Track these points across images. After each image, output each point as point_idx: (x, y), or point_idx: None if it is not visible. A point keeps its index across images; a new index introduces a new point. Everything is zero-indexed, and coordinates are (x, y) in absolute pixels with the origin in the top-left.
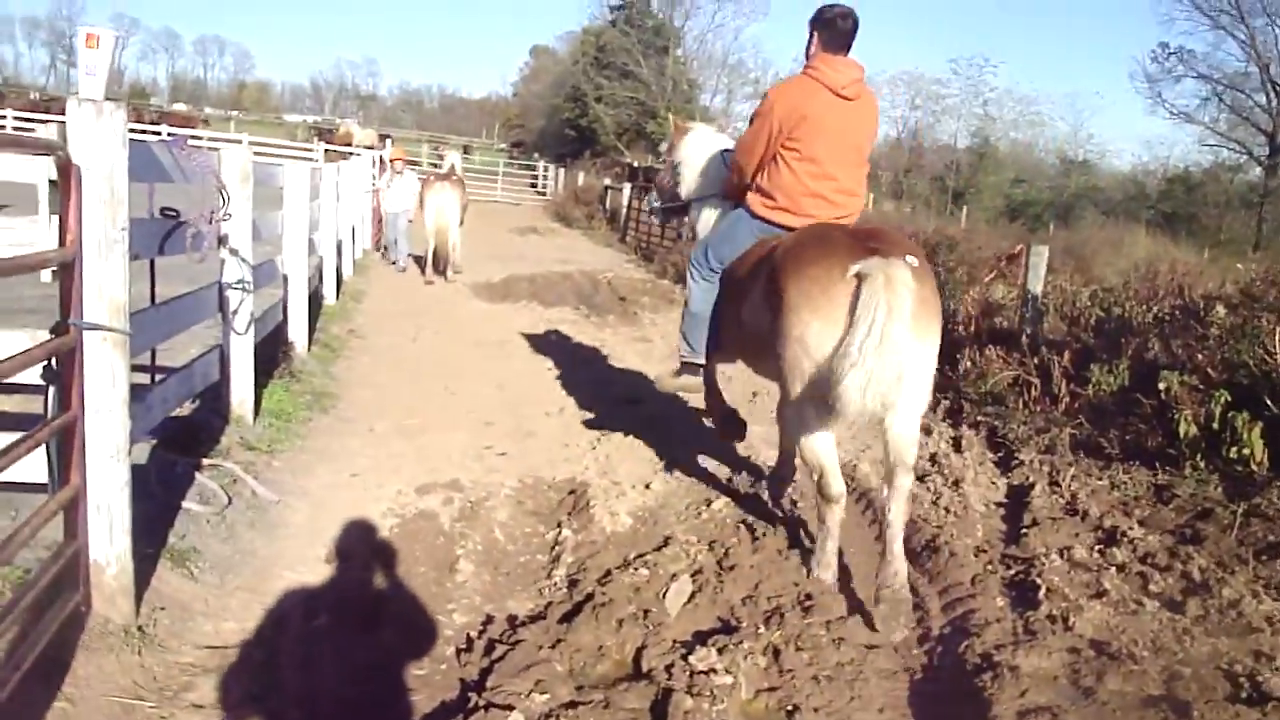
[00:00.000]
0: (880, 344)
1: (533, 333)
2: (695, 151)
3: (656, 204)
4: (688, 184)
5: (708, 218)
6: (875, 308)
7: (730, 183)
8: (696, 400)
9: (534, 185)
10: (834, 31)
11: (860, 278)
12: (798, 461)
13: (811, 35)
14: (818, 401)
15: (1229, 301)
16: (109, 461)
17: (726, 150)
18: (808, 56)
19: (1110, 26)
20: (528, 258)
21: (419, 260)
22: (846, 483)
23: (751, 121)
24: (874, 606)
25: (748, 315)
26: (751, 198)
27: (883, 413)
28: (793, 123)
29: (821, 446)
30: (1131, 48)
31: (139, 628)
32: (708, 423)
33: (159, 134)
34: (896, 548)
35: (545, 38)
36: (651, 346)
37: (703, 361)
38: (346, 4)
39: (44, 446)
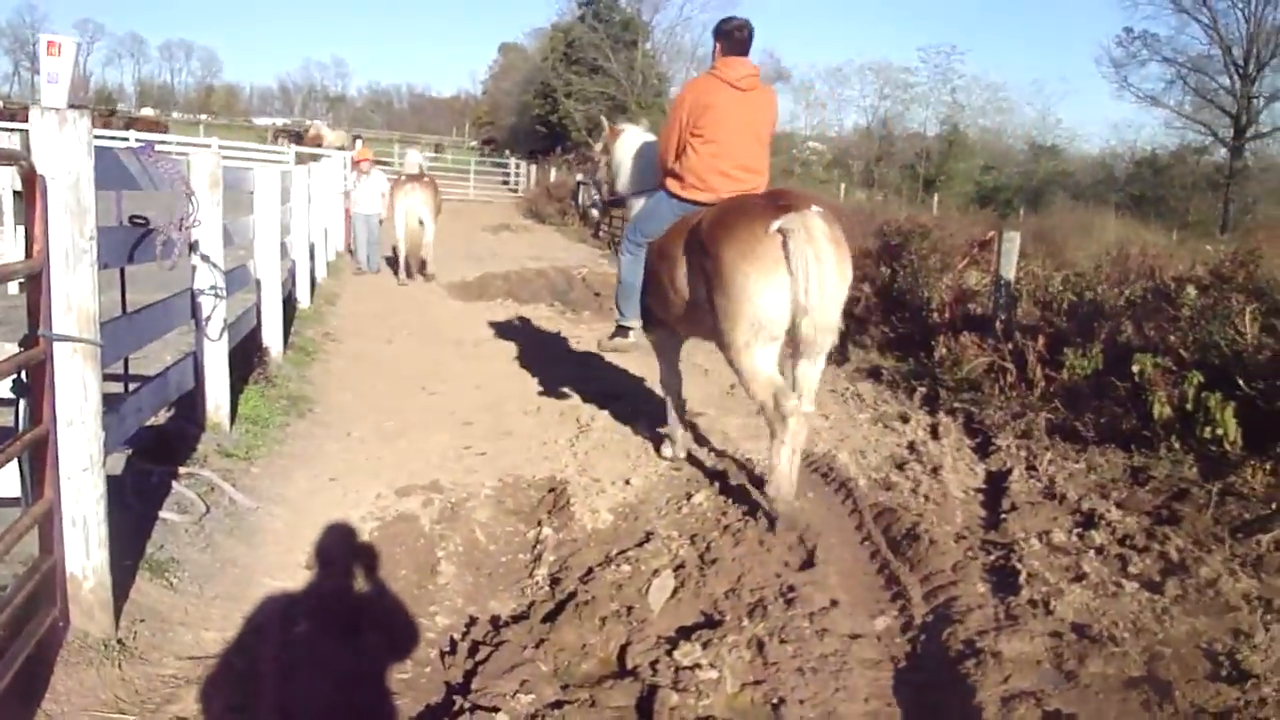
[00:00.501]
0: (821, 288)
1: (509, 331)
2: (628, 151)
3: (595, 198)
4: (624, 180)
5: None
6: (807, 259)
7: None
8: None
9: (506, 182)
10: (732, 40)
11: (783, 232)
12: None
13: (715, 44)
14: (763, 339)
15: (1199, 283)
16: (83, 474)
17: (650, 143)
18: (713, 60)
19: (1075, 12)
20: (501, 255)
21: (392, 262)
22: (825, 473)
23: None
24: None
25: (680, 284)
26: (669, 182)
27: (817, 348)
28: (698, 113)
29: (767, 373)
30: (1096, 33)
31: (119, 640)
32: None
33: (127, 139)
34: (796, 462)
35: (514, 35)
36: None
37: (633, 324)
38: (314, 4)
39: (16, 461)
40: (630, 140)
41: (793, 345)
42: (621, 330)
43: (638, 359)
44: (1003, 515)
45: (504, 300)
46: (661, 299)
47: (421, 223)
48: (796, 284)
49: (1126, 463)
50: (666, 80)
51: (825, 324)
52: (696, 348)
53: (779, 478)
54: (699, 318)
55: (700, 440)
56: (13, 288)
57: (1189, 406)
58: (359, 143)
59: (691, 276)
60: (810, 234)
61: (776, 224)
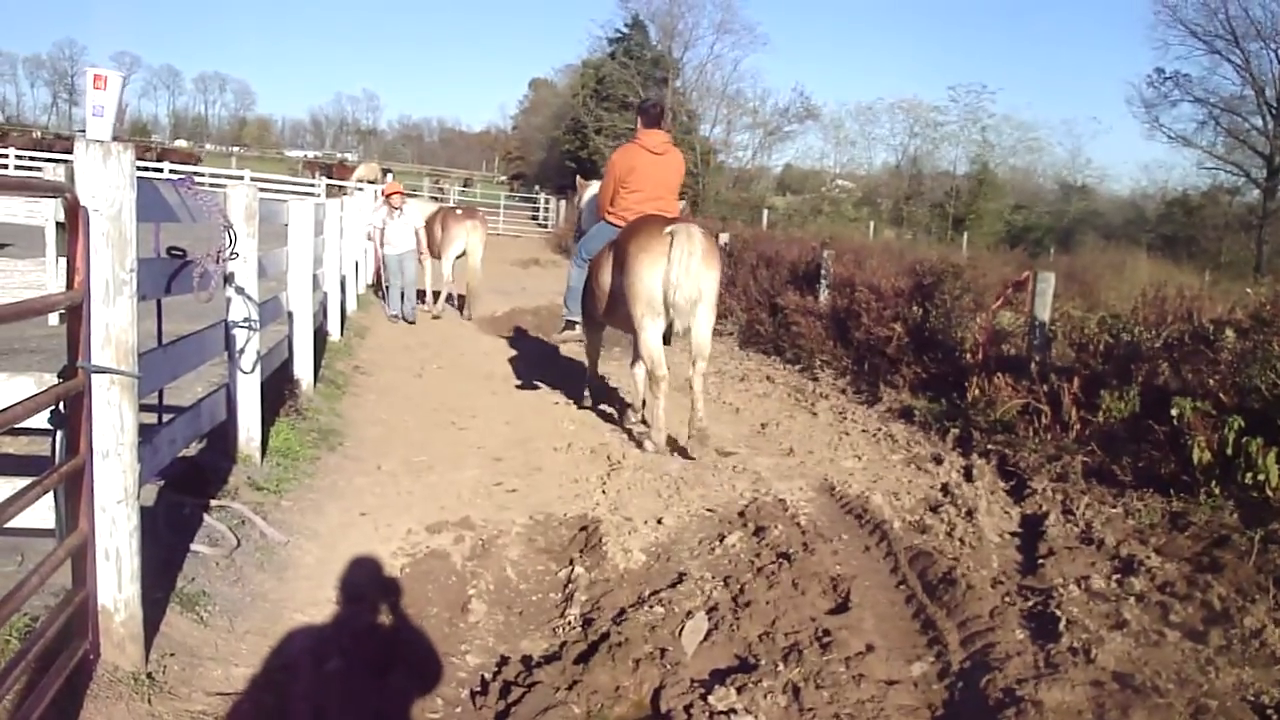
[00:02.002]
0: (688, 272)
1: (538, 365)
2: (588, 201)
3: (576, 234)
4: (584, 220)
5: None
6: (683, 252)
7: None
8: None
9: (535, 218)
10: (649, 116)
11: (670, 235)
12: (642, 364)
13: (638, 118)
14: (651, 314)
15: (1239, 326)
16: (117, 506)
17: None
18: (636, 131)
19: (1106, 52)
20: (531, 290)
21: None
22: (859, 515)
23: (603, 175)
24: (688, 441)
25: (605, 280)
26: (608, 216)
27: (692, 318)
28: (624, 172)
29: (653, 342)
30: (1127, 73)
31: (148, 674)
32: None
33: (161, 170)
34: (701, 404)
35: (545, 71)
36: None
37: (575, 318)
38: (347, 38)
39: (52, 492)
40: (590, 193)
41: (679, 318)
42: (569, 324)
43: (670, 396)
44: (1040, 560)
45: (534, 335)
46: (593, 297)
47: (475, 258)
48: (671, 267)
49: (1165, 508)
50: (697, 118)
51: (692, 296)
52: (728, 387)
53: (655, 419)
54: (616, 306)
55: (733, 481)
56: (53, 318)
57: (1229, 451)
58: (389, 176)
59: (611, 273)
60: (689, 236)
61: (667, 229)
